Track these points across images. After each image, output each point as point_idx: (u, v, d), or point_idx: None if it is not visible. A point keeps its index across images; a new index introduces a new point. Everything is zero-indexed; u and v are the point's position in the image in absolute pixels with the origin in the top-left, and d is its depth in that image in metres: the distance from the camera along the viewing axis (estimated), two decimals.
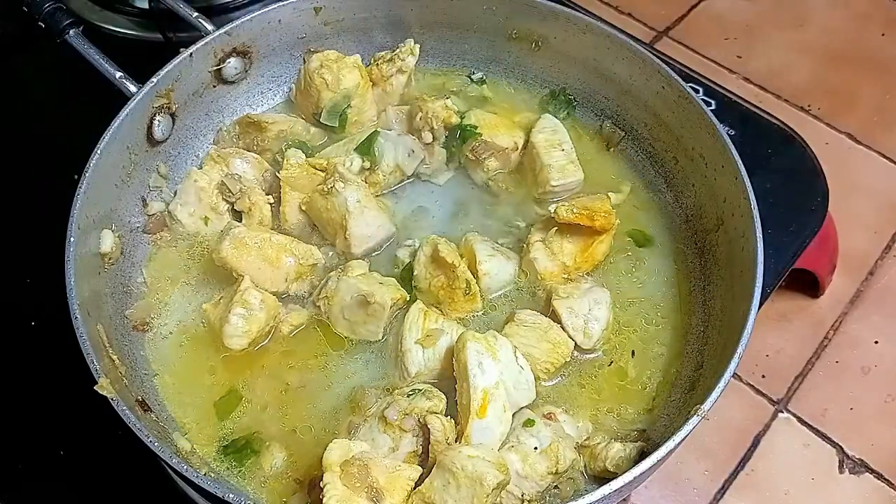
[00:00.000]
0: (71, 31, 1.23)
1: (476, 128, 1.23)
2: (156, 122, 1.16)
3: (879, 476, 1.32)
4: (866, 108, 1.77)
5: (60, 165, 1.16)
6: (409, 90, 1.32)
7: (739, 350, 0.92)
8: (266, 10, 1.24)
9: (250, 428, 1.01)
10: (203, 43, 1.19)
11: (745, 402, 1.39)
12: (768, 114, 1.41)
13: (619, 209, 1.19)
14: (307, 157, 1.20)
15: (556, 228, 1.12)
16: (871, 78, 1.82)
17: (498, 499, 0.90)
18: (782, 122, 1.40)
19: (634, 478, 0.84)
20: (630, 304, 1.12)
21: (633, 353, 1.08)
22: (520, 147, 1.24)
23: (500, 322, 1.08)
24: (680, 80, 1.16)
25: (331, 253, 1.14)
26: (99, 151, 1.05)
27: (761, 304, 0.96)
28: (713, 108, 1.36)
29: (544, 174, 1.19)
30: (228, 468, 0.99)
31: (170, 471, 0.92)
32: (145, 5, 1.51)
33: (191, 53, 1.18)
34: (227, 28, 1.21)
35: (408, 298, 1.08)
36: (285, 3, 1.25)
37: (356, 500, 0.86)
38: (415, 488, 0.90)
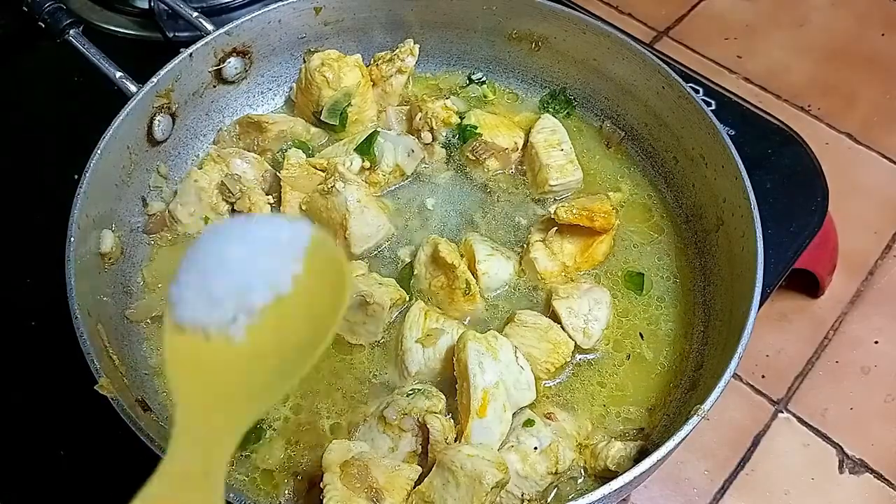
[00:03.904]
0: (71, 31, 1.24)
1: (476, 128, 1.23)
2: (156, 122, 1.16)
3: (879, 476, 1.32)
4: (866, 108, 1.77)
5: (60, 165, 1.16)
6: (408, 90, 1.32)
7: (739, 350, 0.92)
8: (266, 10, 1.24)
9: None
10: (203, 43, 1.19)
11: (745, 402, 1.39)
12: (768, 114, 1.41)
13: (618, 209, 1.19)
14: (307, 157, 1.20)
15: (556, 228, 1.12)
16: (871, 78, 1.82)
17: (498, 498, 0.90)
18: (782, 122, 1.40)
19: (634, 477, 0.84)
20: (630, 303, 1.13)
21: (641, 335, 1.09)
22: (520, 147, 1.24)
23: (500, 322, 1.08)
24: (680, 80, 1.16)
25: None
26: (99, 151, 1.05)
27: (761, 304, 0.96)
28: (713, 108, 1.36)
29: (543, 174, 1.19)
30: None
31: None
32: (145, 5, 1.51)
33: (191, 53, 1.18)
34: (227, 28, 1.21)
35: (407, 299, 1.08)
36: (285, 3, 1.25)
37: (356, 501, 0.86)
38: (414, 488, 0.90)
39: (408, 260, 1.14)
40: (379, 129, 1.23)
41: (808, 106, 1.78)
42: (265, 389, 0.35)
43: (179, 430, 0.34)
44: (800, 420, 1.38)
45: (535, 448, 0.94)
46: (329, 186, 1.11)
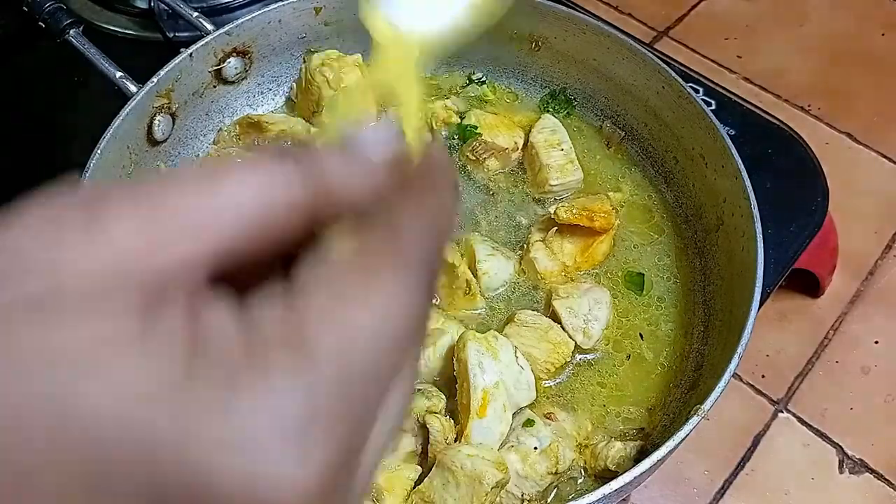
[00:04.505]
0: (71, 31, 1.23)
1: (476, 128, 1.23)
2: (156, 122, 1.16)
3: (879, 476, 1.32)
4: (866, 108, 1.77)
5: (60, 165, 1.16)
6: None
7: (739, 350, 0.92)
8: (266, 10, 1.24)
9: None
10: (203, 43, 1.19)
11: (745, 402, 1.39)
12: (768, 114, 1.41)
13: (618, 209, 1.19)
14: None
15: (556, 228, 1.12)
16: (871, 78, 1.82)
17: (498, 498, 0.90)
18: (782, 122, 1.40)
19: (634, 478, 0.84)
20: (630, 303, 1.13)
21: (640, 335, 1.09)
22: (520, 147, 1.24)
23: (501, 322, 1.08)
24: (680, 80, 1.16)
25: None
26: (99, 151, 1.05)
27: (761, 304, 0.96)
28: (713, 108, 1.36)
29: (543, 174, 1.19)
30: None
31: None
32: (145, 5, 1.51)
33: (191, 53, 1.18)
34: (227, 28, 1.21)
35: None
36: (285, 3, 1.25)
37: None
38: (414, 488, 0.90)
39: None
40: None
41: (808, 106, 1.77)
42: (434, 53, 0.55)
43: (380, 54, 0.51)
44: (800, 420, 1.38)
45: (535, 448, 0.94)
46: None
